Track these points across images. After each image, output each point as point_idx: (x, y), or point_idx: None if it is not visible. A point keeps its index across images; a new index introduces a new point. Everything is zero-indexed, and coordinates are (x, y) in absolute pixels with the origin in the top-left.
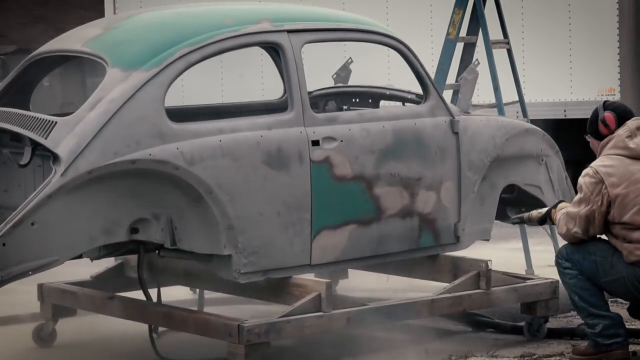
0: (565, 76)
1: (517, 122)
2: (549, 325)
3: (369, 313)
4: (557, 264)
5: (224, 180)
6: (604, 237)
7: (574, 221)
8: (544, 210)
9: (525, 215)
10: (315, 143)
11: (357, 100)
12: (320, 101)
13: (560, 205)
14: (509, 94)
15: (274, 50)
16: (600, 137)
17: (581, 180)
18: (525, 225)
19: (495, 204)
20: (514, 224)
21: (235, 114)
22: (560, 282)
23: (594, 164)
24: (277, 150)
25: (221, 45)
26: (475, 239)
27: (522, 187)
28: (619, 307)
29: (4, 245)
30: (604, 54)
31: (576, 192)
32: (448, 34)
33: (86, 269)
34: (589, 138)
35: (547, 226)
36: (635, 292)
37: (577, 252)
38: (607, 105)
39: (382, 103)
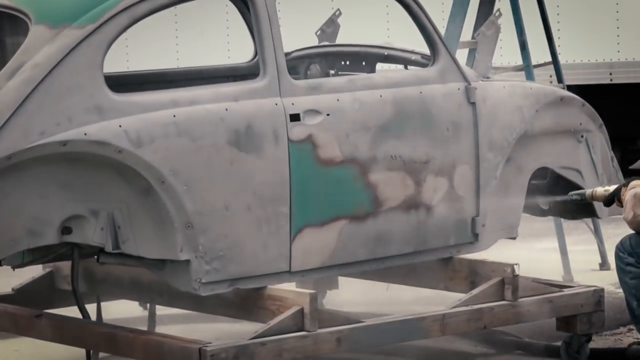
0: (610, 30)
1: (549, 89)
2: (591, 344)
3: (363, 332)
4: (617, 257)
5: (180, 166)
6: None
7: None
8: (612, 187)
9: (588, 191)
10: (295, 117)
11: (347, 62)
12: (301, 64)
13: (633, 183)
14: (540, 54)
15: (241, 1)
16: None
17: None
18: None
19: (522, 192)
20: (571, 199)
21: (193, 82)
22: (618, 282)
23: None
24: (246, 127)
25: None
26: (498, 236)
27: (556, 170)
28: None
29: None
30: None
31: (625, 176)
32: None
33: (6, 280)
34: None
35: (588, 220)
36: None
37: None
38: None
39: (379, 66)
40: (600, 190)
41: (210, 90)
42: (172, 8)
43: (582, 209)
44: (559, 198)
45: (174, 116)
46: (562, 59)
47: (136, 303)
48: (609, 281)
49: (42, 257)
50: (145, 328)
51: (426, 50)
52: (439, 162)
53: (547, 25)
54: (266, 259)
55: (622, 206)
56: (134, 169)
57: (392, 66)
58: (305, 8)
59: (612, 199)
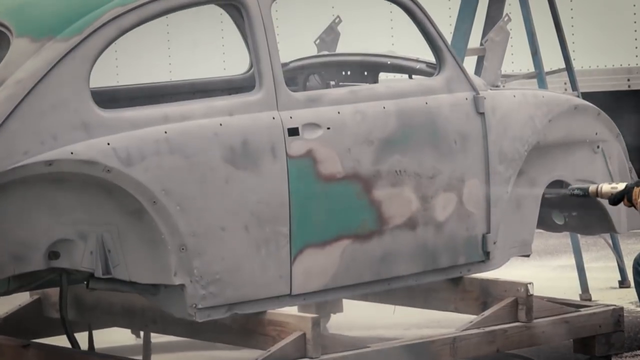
0: (627, 33)
1: (563, 97)
2: None
3: (369, 357)
4: (635, 271)
5: (172, 185)
6: None
7: None
8: (621, 185)
9: (592, 186)
10: (293, 132)
11: (348, 72)
12: (299, 75)
13: None
14: (552, 60)
15: (235, 8)
16: None
17: None
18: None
19: (536, 206)
20: (572, 194)
21: (186, 95)
22: (637, 299)
23: None
24: (242, 143)
25: (164, 3)
26: (511, 254)
27: (571, 183)
28: None
29: None
30: None
31: None
32: None
33: None
34: None
35: (606, 235)
36: None
37: None
38: None
39: (382, 76)
40: (607, 187)
41: (204, 105)
42: (164, 18)
43: (600, 223)
44: (562, 191)
45: (166, 132)
46: (576, 65)
47: (129, 331)
48: (629, 299)
49: (29, 284)
50: (139, 357)
51: (432, 58)
52: (447, 177)
53: (559, 29)
54: (265, 281)
55: (630, 206)
56: (123, 189)
57: (396, 76)
58: (303, 15)
59: (621, 198)
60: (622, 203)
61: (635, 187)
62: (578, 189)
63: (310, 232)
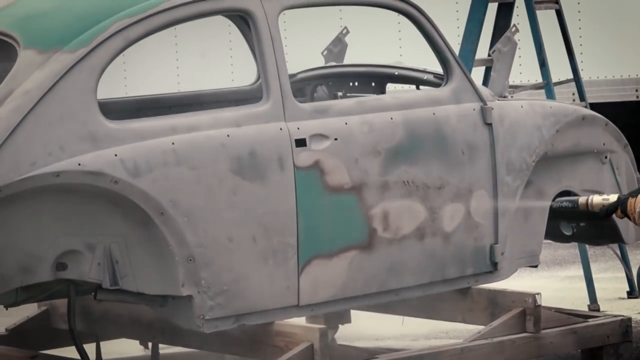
0: (636, 43)
1: (570, 107)
2: None
3: None
4: None
5: (180, 196)
6: None
7: None
8: (613, 196)
9: (582, 198)
10: (300, 142)
11: (356, 83)
12: (307, 86)
13: None
14: (560, 70)
15: (242, 19)
16: None
17: None
18: (587, 246)
19: (544, 217)
20: (560, 207)
21: (193, 107)
22: None
23: None
24: (250, 154)
25: (171, 15)
26: (519, 265)
27: (579, 193)
28: None
29: None
30: None
31: None
32: None
33: None
34: None
35: (615, 245)
36: None
37: None
38: None
39: (389, 87)
40: (598, 199)
41: (211, 116)
42: (172, 29)
43: (608, 234)
44: (553, 204)
45: (173, 143)
46: (584, 76)
47: (137, 342)
48: (638, 309)
49: (36, 295)
50: None
51: (439, 68)
52: (454, 187)
53: (567, 39)
54: (273, 292)
55: (623, 217)
56: (131, 200)
57: (404, 86)
58: (311, 26)
59: (614, 210)
60: (614, 215)
61: (629, 198)
62: (567, 201)
63: (317, 243)
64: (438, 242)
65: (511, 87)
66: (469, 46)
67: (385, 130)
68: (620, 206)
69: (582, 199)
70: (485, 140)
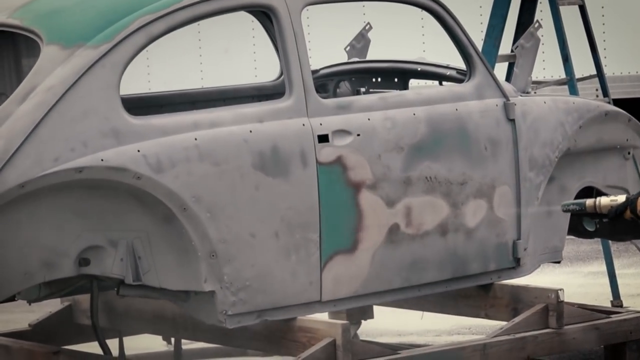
0: None
1: (593, 103)
2: None
3: None
4: None
5: (202, 192)
6: None
7: None
8: (621, 197)
9: (589, 200)
10: (323, 138)
11: (378, 79)
12: (329, 82)
13: None
14: (583, 66)
15: (265, 15)
16: None
17: None
18: (610, 242)
19: (567, 213)
20: (567, 211)
21: (216, 102)
22: None
23: None
24: (272, 150)
25: (193, 11)
26: (541, 261)
27: (602, 189)
28: None
29: None
30: None
31: None
32: None
33: (22, 315)
34: None
35: (638, 241)
36: None
37: None
38: None
39: (412, 82)
40: (606, 200)
41: (234, 112)
42: (195, 25)
43: (631, 229)
44: (562, 208)
45: (196, 139)
46: (607, 71)
47: (160, 337)
48: None
49: (59, 291)
50: None
51: (462, 64)
52: (477, 183)
53: (590, 35)
54: (295, 288)
55: (633, 218)
56: (154, 195)
57: (427, 82)
58: (334, 22)
59: (623, 211)
60: (623, 216)
61: (639, 198)
62: (574, 204)
63: (339, 239)
64: (460, 238)
65: (534, 82)
66: (492, 42)
67: (407, 126)
68: (629, 206)
69: (589, 201)
70: (508, 136)
